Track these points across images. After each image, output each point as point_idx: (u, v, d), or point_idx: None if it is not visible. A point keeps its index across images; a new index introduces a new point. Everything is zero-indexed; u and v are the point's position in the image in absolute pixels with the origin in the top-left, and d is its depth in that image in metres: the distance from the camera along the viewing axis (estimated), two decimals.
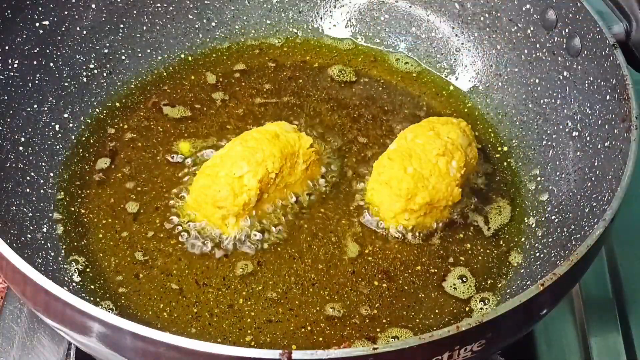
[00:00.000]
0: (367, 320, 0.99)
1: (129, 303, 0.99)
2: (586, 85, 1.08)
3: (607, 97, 1.03)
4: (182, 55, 1.26)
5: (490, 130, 1.20)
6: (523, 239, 1.08)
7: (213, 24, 1.28)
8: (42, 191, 1.07)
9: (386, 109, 1.21)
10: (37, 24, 1.13)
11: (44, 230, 1.04)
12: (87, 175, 1.11)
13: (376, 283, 1.02)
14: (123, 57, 1.22)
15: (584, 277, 0.94)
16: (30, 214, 1.03)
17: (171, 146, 1.15)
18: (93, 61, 1.19)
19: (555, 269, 0.84)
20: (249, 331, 0.97)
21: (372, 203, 1.08)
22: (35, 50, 1.13)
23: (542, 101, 1.16)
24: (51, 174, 1.10)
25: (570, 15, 1.10)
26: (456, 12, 1.25)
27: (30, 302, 0.87)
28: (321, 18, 1.31)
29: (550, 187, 1.10)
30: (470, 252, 1.06)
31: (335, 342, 0.97)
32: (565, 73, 1.12)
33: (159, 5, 1.25)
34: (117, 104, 1.19)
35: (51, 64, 1.15)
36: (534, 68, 1.17)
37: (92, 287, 1.01)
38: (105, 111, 1.18)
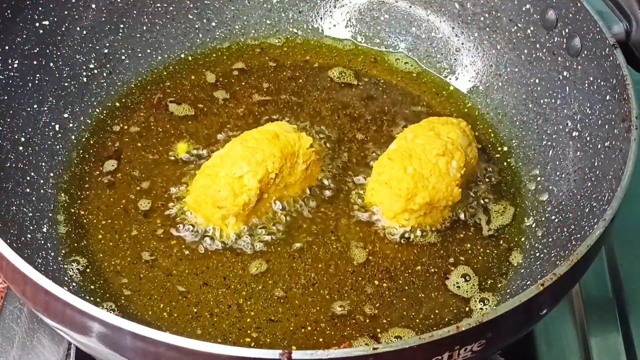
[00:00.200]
0: (367, 320, 0.99)
1: (129, 303, 0.99)
2: (586, 85, 1.08)
3: (607, 97, 1.03)
4: (182, 55, 1.26)
5: (490, 130, 1.20)
6: (523, 239, 1.08)
7: (213, 24, 1.28)
8: (42, 191, 1.07)
9: (386, 109, 1.21)
10: (37, 24, 1.13)
11: (44, 230, 1.04)
12: (87, 175, 1.11)
13: (376, 283, 1.02)
14: (123, 57, 1.22)
15: (584, 277, 0.94)
16: (30, 214, 1.03)
17: (171, 146, 1.15)
18: (93, 61, 1.19)
19: (555, 269, 0.84)
20: (249, 331, 0.97)
21: (372, 203, 1.08)
22: (35, 50, 1.13)
23: (542, 101, 1.16)
24: (51, 174, 1.10)
25: (570, 15, 1.10)
26: (456, 12, 1.25)
27: (30, 302, 0.87)
28: (321, 18, 1.31)
29: (550, 187, 1.10)
30: (470, 252, 1.06)
31: (335, 342, 0.97)
32: (565, 73, 1.12)
33: (159, 5, 1.25)
34: (117, 104, 1.19)
35: (51, 64, 1.15)
36: (534, 68, 1.17)
37: (92, 287, 1.01)
38: (105, 111, 1.18)
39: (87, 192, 1.10)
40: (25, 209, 1.03)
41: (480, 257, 1.06)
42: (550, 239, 1.04)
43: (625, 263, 1.16)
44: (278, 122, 1.12)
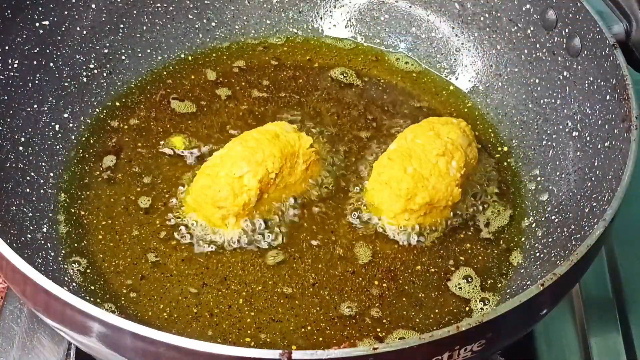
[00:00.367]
0: (368, 320, 0.99)
1: (129, 303, 0.99)
2: (586, 85, 1.08)
3: (607, 97, 1.03)
4: (182, 55, 1.26)
5: (490, 130, 1.20)
6: (523, 239, 1.08)
7: (213, 24, 1.28)
8: (42, 191, 1.07)
9: (386, 109, 1.21)
10: (37, 24, 1.13)
11: (44, 230, 1.04)
12: (87, 175, 1.11)
13: (376, 283, 1.02)
14: (123, 57, 1.22)
15: (584, 277, 0.94)
16: (30, 214, 1.03)
17: (171, 147, 1.15)
18: (93, 61, 1.19)
19: (555, 269, 0.84)
20: (249, 331, 0.97)
21: (372, 203, 1.08)
22: (35, 50, 1.13)
23: (542, 101, 1.16)
24: (51, 174, 1.10)
25: (570, 15, 1.10)
26: (456, 12, 1.25)
27: (30, 302, 0.87)
28: (321, 18, 1.31)
29: (550, 187, 1.10)
30: (470, 252, 1.06)
31: (336, 342, 0.97)
32: (565, 73, 1.12)
33: (159, 5, 1.25)
34: (117, 104, 1.19)
35: (51, 64, 1.15)
36: (534, 68, 1.17)
37: (93, 287, 1.01)
38: (105, 111, 1.18)
39: (87, 192, 1.10)
40: (25, 209, 1.03)
41: (480, 257, 1.06)
42: (550, 239, 1.04)
43: (625, 263, 1.16)
44: (278, 122, 1.12)
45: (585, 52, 1.08)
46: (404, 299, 1.01)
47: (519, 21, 1.18)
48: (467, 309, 1.01)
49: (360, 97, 1.23)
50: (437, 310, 1.00)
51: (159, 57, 1.24)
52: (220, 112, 1.19)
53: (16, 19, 1.10)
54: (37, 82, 1.12)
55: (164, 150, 1.14)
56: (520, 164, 1.15)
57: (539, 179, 1.12)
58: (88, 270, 1.02)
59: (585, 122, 1.07)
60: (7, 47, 1.09)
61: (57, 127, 1.13)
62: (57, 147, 1.12)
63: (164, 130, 1.17)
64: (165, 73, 1.24)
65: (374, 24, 1.30)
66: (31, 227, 1.02)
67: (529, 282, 1.00)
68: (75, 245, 1.04)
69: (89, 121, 1.17)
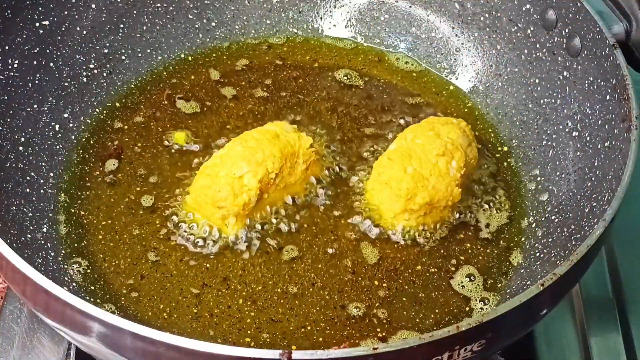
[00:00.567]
0: (367, 320, 0.99)
1: (129, 304, 0.99)
2: (586, 85, 1.08)
3: (607, 97, 1.03)
4: (182, 55, 1.26)
5: (490, 130, 1.20)
6: (523, 239, 1.08)
7: (213, 24, 1.28)
8: (42, 191, 1.07)
9: (386, 109, 1.21)
10: (37, 24, 1.13)
11: (44, 230, 1.04)
12: (87, 175, 1.11)
13: (376, 283, 1.02)
14: (123, 57, 1.22)
15: (584, 277, 0.94)
16: (30, 214, 1.03)
17: (174, 143, 1.15)
18: (93, 61, 1.19)
19: (555, 269, 0.84)
20: (249, 331, 0.97)
21: (372, 203, 1.08)
22: (35, 50, 1.13)
23: (542, 101, 1.16)
24: (51, 174, 1.10)
25: (570, 15, 1.10)
26: (456, 12, 1.25)
27: (30, 302, 0.87)
28: (321, 18, 1.31)
29: (550, 187, 1.10)
30: (470, 252, 1.06)
31: (336, 342, 0.97)
32: (565, 73, 1.12)
33: (159, 5, 1.25)
34: (117, 104, 1.19)
35: (51, 64, 1.15)
36: (534, 68, 1.17)
37: (93, 287, 1.01)
38: (105, 111, 1.18)
39: (87, 192, 1.10)
40: (25, 209, 1.03)
41: (480, 257, 1.06)
42: (550, 239, 1.04)
43: (625, 263, 1.16)
44: (278, 122, 1.12)
45: (585, 52, 1.08)
46: (404, 299, 1.01)
47: (519, 21, 1.18)
48: (468, 309, 1.01)
49: (360, 97, 1.23)
50: (437, 310, 1.00)
51: (159, 57, 1.24)
52: (220, 112, 1.19)
53: (16, 19, 1.10)
54: (37, 82, 1.12)
55: (167, 145, 1.14)
56: (520, 164, 1.15)
57: (539, 179, 1.12)
58: (88, 271, 1.02)
59: (585, 122, 1.07)
60: (7, 47, 1.09)
61: (57, 127, 1.13)
62: (57, 147, 1.12)
63: (164, 130, 1.17)
64: (165, 73, 1.24)
65: (374, 24, 1.30)
66: (31, 227, 1.02)
67: (529, 282, 1.00)
68: (76, 245, 1.04)
69: (89, 121, 1.17)
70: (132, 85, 1.22)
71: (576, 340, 1.08)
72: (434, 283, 1.03)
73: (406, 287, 1.02)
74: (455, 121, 1.12)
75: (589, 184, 1.02)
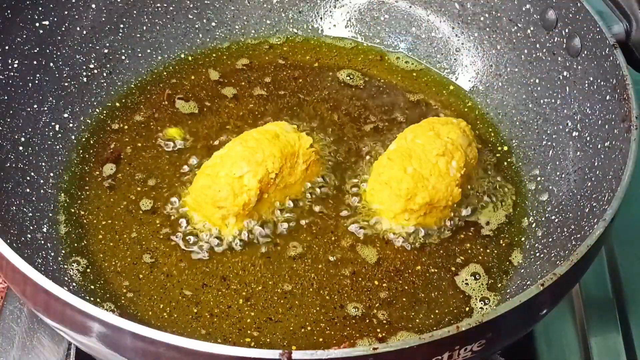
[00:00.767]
0: (367, 320, 0.99)
1: (129, 304, 0.99)
2: (586, 85, 1.08)
3: (607, 97, 1.03)
4: (182, 55, 1.26)
5: (490, 130, 1.20)
6: (523, 239, 1.08)
7: (213, 24, 1.28)
8: (42, 191, 1.07)
9: (386, 108, 1.21)
10: (37, 24, 1.13)
11: (44, 230, 1.04)
12: (87, 175, 1.11)
13: (376, 283, 1.02)
14: (123, 57, 1.22)
15: (584, 277, 0.94)
16: (30, 214, 1.03)
17: (169, 139, 1.15)
18: (93, 61, 1.19)
19: (555, 269, 0.84)
20: (249, 331, 0.97)
21: (372, 203, 1.08)
22: (35, 50, 1.13)
23: (542, 101, 1.16)
24: (51, 174, 1.10)
25: (570, 15, 1.10)
26: (456, 12, 1.25)
27: (30, 302, 0.87)
28: (321, 18, 1.31)
29: (550, 187, 1.10)
30: (470, 252, 1.06)
31: (335, 342, 0.97)
32: (565, 73, 1.12)
33: (159, 5, 1.25)
34: (117, 104, 1.19)
35: (51, 64, 1.15)
36: (534, 68, 1.17)
37: (92, 287, 1.01)
38: (105, 111, 1.18)
39: (87, 192, 1.10)
40: (25, 209, 1.03)
41: (480, 257, 1.06)
42: (550, 239, 1.04)
43: (625, 263, 1.16)
44: (278, 122, 1.12)
45: (585, 52, 1.08)
46: (404, 299, 1.01)
47: (519, 21, 1.18)
48: (468, 309, 1.01)
49: (360, 97, 1.23)
50: (437, 311, 1.00)
51: (159, 57, 1.24)
52: (220, 112, 1.19)
53: (16, 19, 1.10)
54: (37, 82, 1.12)
55: (167, 145, 1.14)
56: (520, 164, 1.15)
57: (539, 179, 1.12)
58: (88, 270, 1.02)
59: (585, 122, 1.07)
60: (7, 47, 1.09)
61: (57, 127, 1.13)
62: (57, 147, 1.12)
63: (165, 130, 1.17)
64: (165, 73, 1.24)
65: (374, 24, 1.30)
66: (31, 227, 1.02)
67: (529, 282, 1.00)
68: (75, 245, 1.04)
69: (89, 121, 1.17)
70: (132, 85, 1.22)
71: (576, 340, 1.08)
72: (434, 283, 1.03)
73: (406, 287, 1.02)
74: (455, 121, 1.12)
75: (589, 184, 1.02)
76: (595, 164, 1.03)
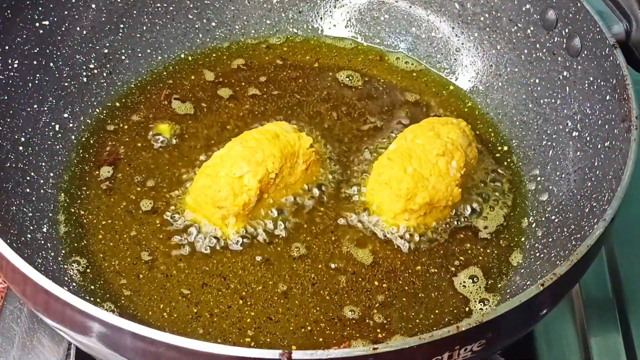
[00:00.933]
0: (367, 320, 0.99)
1: (129, 304, 0.99)
2: (586, 85, 1.08)
3: (607, 97, 1.03)
4: (182, 55, 1.26)
5: (490, 130, 1.20)
6: (523, 239, 1.08)
7: (213, 24, 1.28)
8: (42, 191, 1.07)
9: (386, 109, 1.21)
10: (37, 24, 1.13)
11: (44, 230, 1.04)
12: (87, 175, 1.11)
13: (376, 283, 1.02)
14: (123, 57, 1.22)
15: (584, 277, 0.94)
16: (30, 214, 1.03)
17: (171, 147, 1.15)
18: (93, 61, 1.19)
19: (555, 269, 0.84)
20: (249, 331, 0.97)
21: (372, 203, 1.08)
22: (35, 50, 1.13)
23: (542, 101, 1.16)
24: (51, 174, 1.10)
25: (570, 15, 1.10)
26: (456, 12, 1.25)
27: (30, 302, 0.87)
28: (321, 18, 1.31)
29: (550, 187, 1.10)
30: (470, 252, 1.06)
31: (335, 342, 0.97)
32: (565, 73, 1.12)
33: (159, 5, 1.25)
34: (117, 104, 1.19)
35: (51, 64, 1.15)
36: (534, 68, 1.17)
37: (92, 287, 1.01)
38: (105, 111, 1.18)
39: (87, 192, 1.10)
40: (25, 209, 1.03)
41: (480, 257, 1.06)
42: (550, 239, 1.04)
43: (625, 263, 1.16)
44: (278, 122, 1.12)
45: (585, 52, 1.08)
46: (404, 299, 1.01)
47: (519, 21, 1.18)
48: (467, 309, 1.01)
49: (360, 97, 1.23)
50: (437, 311, 1.00)
51: (159, 57, 1.24)
52: (220, 112, 1.19)
53: (16, 19, 1.10)
54: (37, 82, 1.12)
55: (165, 151, 1.14)
56: (520, 164, 1.15)
57: (539, 179, 1.12)
58: (88, 270, 1.02)
59: (585, 122, 1.07)
60: (7, 47, 1.09)
61: (57, 127, 1.13)
62: (57, 147, 1.12)
63: (155, 126, 1.17)
64: (165, 73, 1.24)
65: (374, 24, 1.30)
66: (31, 227, 1.02)
67: (529, 282, 1.00)
68: (75, 245, 1.04)
69: (89, 121, 1.17)
70: (132, 85, 1.22)
71: (576, 340, 1.08)
72: (433, 283, 1.03)
73: (406, 287, 1.02)
74: (455, 121, 1.12)
75: (589, 184, 1.02)
76: (595, 164, 1.03)
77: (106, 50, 1.21)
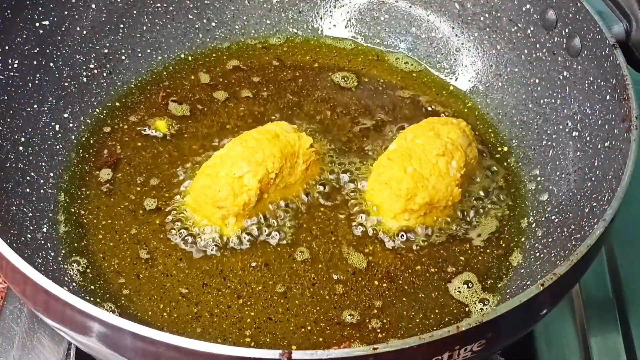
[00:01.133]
0: (367, 320, 0.99)
1: (129, 303, 0.99)
2: (586, 85, 1.08)
3: (607, 97, 1.03)
4: (182, 55, 1.26)
5: (490, 130, 1.20)
6: (523, 239, 1.08)
7: (213, 24, 1.28)
8: (42, 191, 1.07)
9: (386, 109, 1.21)
10: (37, 24, 1.13)
11: (44, 230, 1.04)
12: (87, 175, 1.11)
13: (376, 283, 1.02)
14: (123, 57, 1.22)
15: (584, 277, 0.94)
16: (30, 214, 1.03)
17: (171, 147, 1.15)
18: (93, 61, 1.19)
19: (555, 269, 0.84)
20: (249, 331, 0.97)
21: (372, 203, 1.08)
22: (35, 50, 1.13)
23: (542, 101, 1.16)
24: (51, 174, 1.10)
25: (570, 15, 1.10)
26: (456, 12, 1.25)
27: (30, 302, 0.87)
28: (321, 18, 1.31)
29: (550, 187, 1.10)
30: (470, 252, 1.06)
31: (335, 342, 0.97)
32: (565, 73, 1.12)
33: (159, 5, 1.25)
34: (117, 104, 1.19)
35: (51, 64, 1.15)
36: (534, 68, 1.17)
37: (92, 287, 1.01)
38: (105, 111, 1.18)
39: (87, 192, 1.10)
40: (25, 209, 1.03)
41: (480, 257, 1.06)
42: (550, 239, 1.04)
43: (625, 263, 1.16)
44: (278, 122, 1.12)
45: (585, 52, 1.08)
46: (404, 299, 1.01)
47: (519, 21, 1.18)
48: (467, 309, 1.01)
49: (360, 97, 1.23)
50: (437, 311, 1.00)
51: (159, 57, 1.24)
52: (220, 112, 1.19)
53: (16, 19, 1.10)
54: (37, 82, 1.12)
55: (165, 151, 1.14)
56: (520, 164, 1.15)
57: (539, 179, 1.12)
58: (88, 270, 1.02)
59: (585, 122, 1.07)
60: (7, 47, 1.09)
61: (57, 127, 1.13)
62: (57, 147, 1.12)
63: (152, 122, 1.17)
64: (165, 73, 1.24)
65: (374, 24, 1.30)
66: (31, 227, 1.02)
67: (529, 282, 1.00)
68: (75, 245, 1.04)
69: (89, 121, 1.17)
70: (132, 85, 1.22)
71: (576, 340, 1.08)
72: (433, 283, 1.03)
73: (406, 287, 1.02)
74: (455, 121, 1.12)
75: (589, 184, 1.02)
76: (595, 164, 1.03)
77: (106, 50, 1.21)
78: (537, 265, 1.02)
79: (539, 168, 1.13)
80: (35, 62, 1.13)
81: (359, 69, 1.26)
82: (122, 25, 1.22)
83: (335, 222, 1.08)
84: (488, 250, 1.07)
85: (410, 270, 1.04)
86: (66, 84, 1.16)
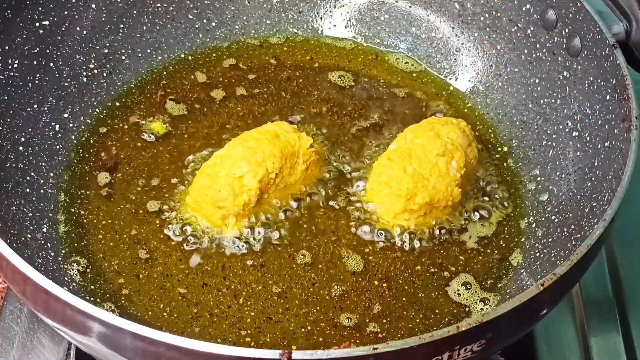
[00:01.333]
0: (367, 320, 0.99)
1: (129, 303, 0.99)
2: (586, 85, 1.08)
3: (607, 97, 1.03)
4: (182, 55, 1.26)
5: (490, 130, 1.20)
6: (523, 239, 1.08)
7: (213, 24, 1.28)
8: (42, 191, 1.07)
9: (386, 109, 1.21)
10: (37, 24, 1.13)
11: (44, 230, 1.04)
12: (87, 175, 1.11)
13: (376, 283, 1.02)
14: (123, 57, 1.22)
15: (584, 277, 0.94)
16: (30, 214, 1.03)
17: (171, 147, 1.15)
18: (93, 61, 1.19)
19: (555, 269, 0.84)
20: (249, 331, 0.97)
21: (372, 203, 1.08)
22: (35, 50, 1.13)
23: (542, 101, 1.16)
24: (51, 174, 1.10)
25: (570, 15, 1.10)
26: (456, 12, 1.25)
27: (30, 302, 0.87)
28: (321, 18, 1.31)
29: (550, 187, 1.10)
30: (470, 252, 1.06)
31: (335, 342, 0.97)
32: (565, 73, 1.12)
33: (159, 5, 1.25)
34: (117, 104, 1.19)
35: (51, 64, 1.15)
36: (534, 68, 1.17)
37: (92, 287, 1.01)
38: (105, 111, 1.18)
39: (87, 192, 1.10)
40: (25, 209, 1.03)
41: (480, 257, 1.06)
42: (550, 239, 1.04)
43: (625, 263, 1.16)
44: (278, 122, 1.12)
45: (585, 52, 1.08)
46: (404, 299, 1.01)
47: (519, 21, 1.18)
48: (467, 309, 1.01)
49: (360, 97, 1.23)
50: (437, 310, 1.00)
51: (159, 57, 1.24)
52: (220, 112, 1.19)
53: (16, 19, 1.10)
54: (37, 82, 1.12)
55: (165, 151, 1.14)
56: (520, 164, 1.15)
57: (539, 179, 1.12)
58: (88, 270, 1.02)
59: (585, 122, 1.07)
60: (7, 47, 1.09)
61: (57, 127, 1.13)
62: (57, 147, 1.12)
63: (149, 125, 1.17)
64: (165, 73, 1.24)
65: (374, 24, 1.30)
66: (31, 227, 1.02)
67: (529, 282, 1.00)
68: (75, 245, 1.04)
69: (89, 121, 1.17)
70: (132, 85, 1.22)
71: (576, 340, 1.08)
72: (433, 283, 1.03)
73: (406, 287, 1.02)
74: (455, 121, 1.12)
75: (589, 184, 1.02)
76: (595, 164, 1.03)
77: (106, 50, 1.21)
78: (537, 265, 1.02)
79: (539, 168, 1.13)
80: (35, 62, 1.13)
81: (359, 69, 1.26)
82: (122, 25, 1.22)
83: (335, 222, 1.08)
84: (488, 250, 1.07)
85: (410, 271, 1.04)
86: (66, 84, 1.16)
